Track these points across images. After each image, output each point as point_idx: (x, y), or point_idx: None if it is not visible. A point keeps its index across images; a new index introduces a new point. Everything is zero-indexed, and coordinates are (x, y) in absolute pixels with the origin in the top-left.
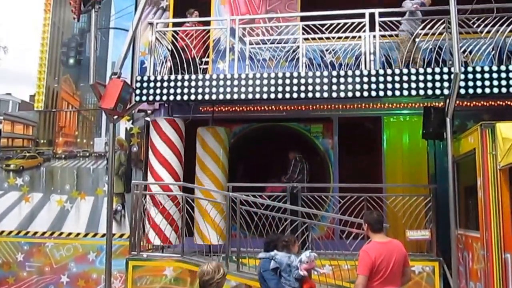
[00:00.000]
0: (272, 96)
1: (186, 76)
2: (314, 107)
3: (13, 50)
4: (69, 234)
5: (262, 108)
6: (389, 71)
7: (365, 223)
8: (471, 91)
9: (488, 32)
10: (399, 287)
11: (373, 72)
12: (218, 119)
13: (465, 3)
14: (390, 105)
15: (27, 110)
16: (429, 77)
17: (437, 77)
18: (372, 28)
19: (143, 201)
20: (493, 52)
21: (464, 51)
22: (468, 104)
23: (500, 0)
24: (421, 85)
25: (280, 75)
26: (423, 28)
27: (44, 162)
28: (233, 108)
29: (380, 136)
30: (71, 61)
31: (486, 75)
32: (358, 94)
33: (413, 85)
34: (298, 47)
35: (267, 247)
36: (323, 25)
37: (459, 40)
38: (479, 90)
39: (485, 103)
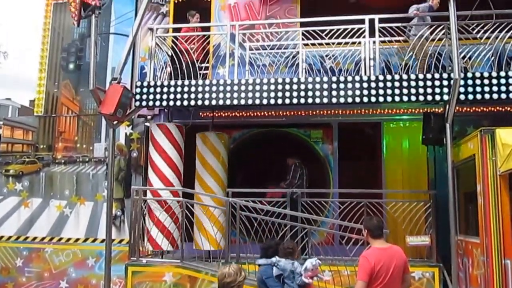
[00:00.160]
0: (272, 101)
1: (186, 82)
2: (314, 112)
3: (13, 50)
4: (69, 239)
5: (262, 113)
6: (388, 77)
7: (365, 229)
8: (470, 97)
9: (488, 38)
10: None
11: (373, 77)
12: (218, 125)
13: (465, 9)
14: (390, 111)
15: (27, 115)
16: (429, 83)
17: (437, 83)
18: (372, 34)
19: (142, 207)
20: (493, 58)
21: (464, 57)
22: (468, 110)
23: (499, 6)
24: (421, 90)
25: (280, 80)
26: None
27: (44, 167)
28: (233, 114)
29: (380, 142)
30: (71, 66)
31: (486, 81)
32: (358, 99)
33: (413, 90)
34: (298, 52)
35: (266, 253)
36: (323, 31)
37: (458, 46)
38: (478, 96)
39: (484, 109)
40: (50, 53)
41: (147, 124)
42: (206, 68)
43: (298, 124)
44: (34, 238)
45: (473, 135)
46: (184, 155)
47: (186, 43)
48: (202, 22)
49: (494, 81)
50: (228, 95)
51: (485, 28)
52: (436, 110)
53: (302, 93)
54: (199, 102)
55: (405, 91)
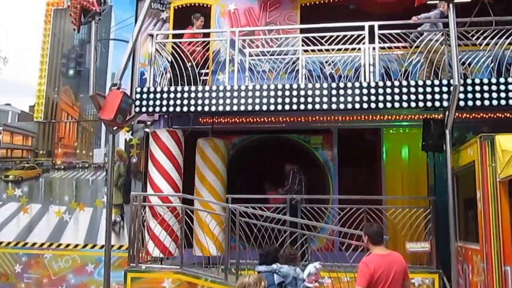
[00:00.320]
0: (272, 107)
1: (186, 88)
2: (314, 118)
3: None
4: (68, 245)
5: (262, 119)
6: (388, 83)
7: (365, 235)
8: (470, 103)
9: (487, 44)
10: None
11: (372, 84)
12: (218, 131)
13: (464, 16)
14: (389, 117)
15: (26, 120)
16: (429, 89)
17: (437, 89)
18: (371, 40)
19: (142, 213)
20: (492, 64)
21: (463, 63)
22: (468, 116)
23: (498, 13)
24: (421, 97)
25: (279, 86)
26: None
27: (43, 173)
28: (233, 120)
29: (379, 148)
30: (71, 72)
31: (485, 87)
32: (357, 105)
33: (413, 97)
34: (297, 58)
35: (265, 259)
36: (322, 37)
37: (458, 53)
38: (478, 102)
39: (484, 115)
40: (50, 58)
41: (147, 130)
42: (206, 74)
43: (298, 130)
44: (33, 244)
45: (472, 141)
46: (183, 161)
47: (188, 47)
48: (202, 28)
49: (494, 88)
50: (228, 101)
51: (484, 35)
52: (436, 116)
53: (302, 99)
54: (199, 108)
55: (405, 97)
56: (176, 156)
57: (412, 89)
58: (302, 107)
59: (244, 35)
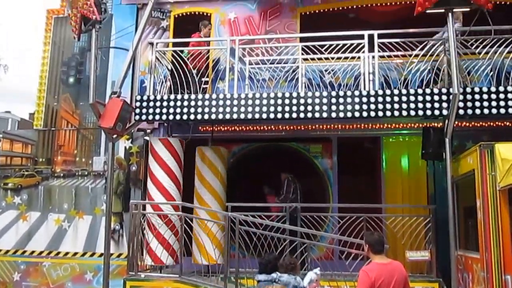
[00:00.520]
0: (272, 116)
1: (186, 96)
2: (314, 127)
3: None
4: (67, 253)
5: (262, 128)
6: (388, 92)
7: (366, 244)
8: (470, 111)
9: (487, 53)
10: None
11: (372, 92)
12: (218, 139)
13: (464, 25)
14: (389, 125)
15: (26, 128)
16: (428, 98)
17: (436, 97)
18: (371, 49)
19: (141, 221)
20: (492, 73)
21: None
22: (467, 124)
23: (497, 22)
24: (420, 105)
25: (279, 95)
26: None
27: (43, 180)
28: (233, 128)
29: (379, 156)
30: (71, 80)
31: (485, 96)
32: (357, 114)
33: (412, 105)
34: (297, 67)
35: (265, 268)
36: (322, 46)
37: (458, 61)
38: (478, 111)
39: (484, 124)
40: (50, 66)
41: (147, 138)
42: (206, 82)
43: (298, 138)
44: (32, 252)
45: (472, 150)
46: (183, 169)
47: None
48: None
49: (493, 96)
50: (227, 109)
51: (484, 44)
52: (436, 125)
53: (302, 108)
54: (199, 116)
55: (404, 105)
56: (176, 164)
57: (412, 98)
58: (302, 115)
59: (244, 43)
